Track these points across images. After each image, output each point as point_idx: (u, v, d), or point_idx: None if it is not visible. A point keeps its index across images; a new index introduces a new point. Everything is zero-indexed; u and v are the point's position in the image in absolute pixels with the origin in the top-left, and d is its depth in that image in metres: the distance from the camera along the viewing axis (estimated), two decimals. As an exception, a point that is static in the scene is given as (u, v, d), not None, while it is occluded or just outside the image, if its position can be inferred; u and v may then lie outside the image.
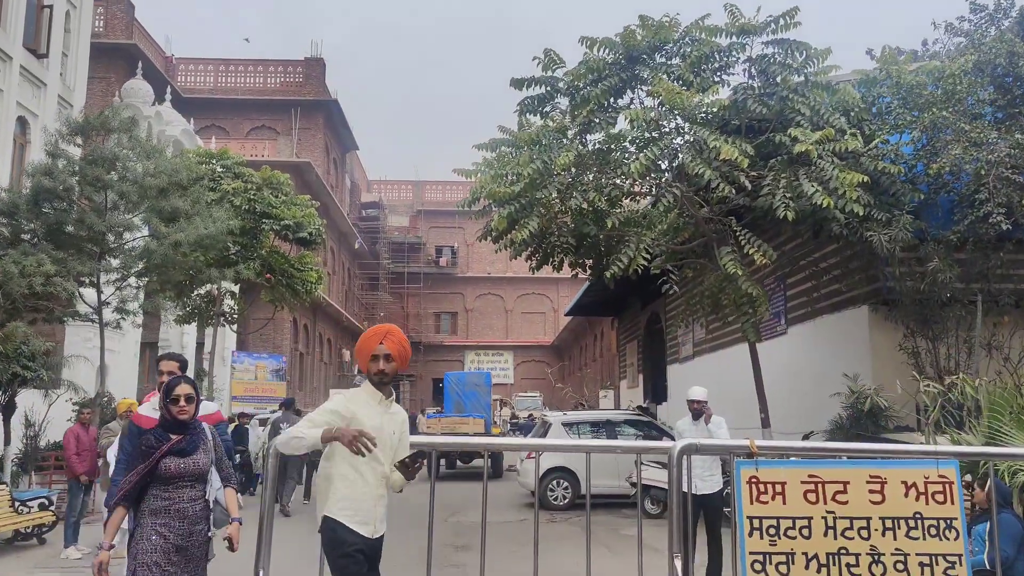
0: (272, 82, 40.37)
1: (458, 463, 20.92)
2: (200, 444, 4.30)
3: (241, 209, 19.86)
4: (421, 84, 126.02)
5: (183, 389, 4.26)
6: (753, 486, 4.03)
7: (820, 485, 4.04)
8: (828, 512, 4.00)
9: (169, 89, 28.77)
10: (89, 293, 13.84)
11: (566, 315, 38.81)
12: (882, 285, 11.83)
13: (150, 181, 13.16)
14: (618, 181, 11.19)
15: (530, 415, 32.53)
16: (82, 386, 14.14)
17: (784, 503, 4.02)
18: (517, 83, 11.29)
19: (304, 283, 23.35)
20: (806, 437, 11.86)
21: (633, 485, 12.42)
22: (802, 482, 4.05)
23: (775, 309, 14.92)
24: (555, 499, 13.77)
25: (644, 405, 23.62)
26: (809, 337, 14.63)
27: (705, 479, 7.22)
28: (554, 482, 13.84)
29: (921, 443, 8.44)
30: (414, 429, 46.26)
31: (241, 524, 4.33)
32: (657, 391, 25.56)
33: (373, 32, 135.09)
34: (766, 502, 4.03)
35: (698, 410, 7.70)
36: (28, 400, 13.59)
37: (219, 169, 20.84)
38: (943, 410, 8.18)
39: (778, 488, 4.03)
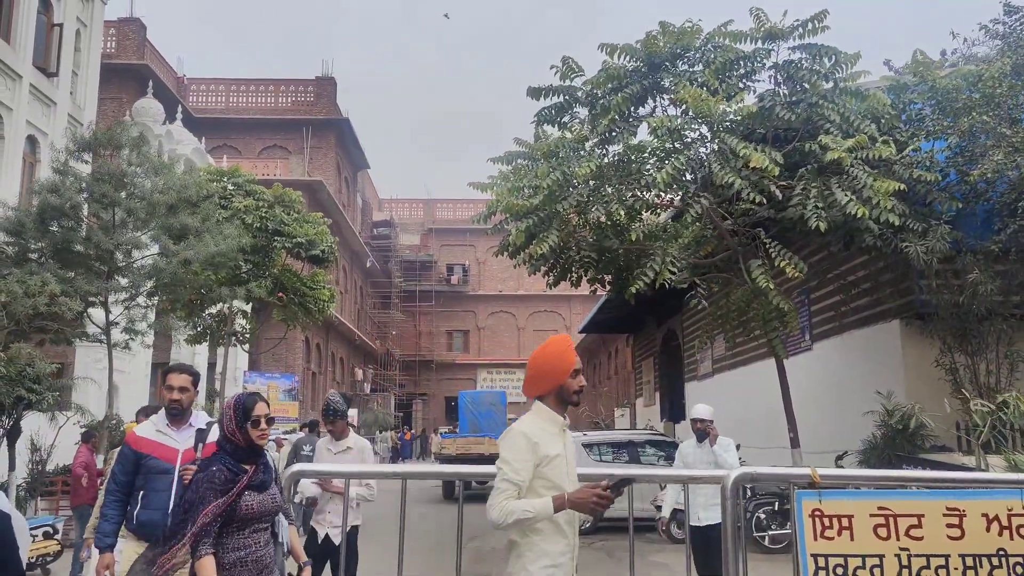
0: (283, 101, 40.39)
1: (474, 483, 20.50)
2: (272, 475, 3.51)
3: (253, 227, 19.58)
4: (431, 102, 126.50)
5: (262, 408, 3.41)
6: (817, 520, 3.63)
7: (892, 519, 3.64)
8: (902, 549, 3.61)
9: (180, 109, 28.67)
10: (97, 313, 13.54)
11: (580, 332, 38.32)
12: (916, 298, 11.37)
13: (159, 198, 12.88)
14: (639, 192, 10.81)
15: (545, 434, 31.98)
16: (91, 409, 13.79)
17: (852, 539, 3.63)
18: (534, 92, 10.93)
19: (316, 302, 23.02)
20: (839, 458, 11.38)
21: (659, 508, 11.94)
22: (871, 515, 3.65)
23: (800, 324, 14.47)
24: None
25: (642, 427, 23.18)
26: (836, 353, 14.16)
27: (708, 508, 6.33)
28: (575, 505, 13.35)
29: (965, 464, 7.97)
30: (427, 448, 45.23)
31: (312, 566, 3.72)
32: (675, 409, 25.03)
33: (383, 50, 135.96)
34: (832, 538, 3.63)
35: (702, 430, 6.96)
36: (34, 424, 13.23)
37: (230, 187, 20.62)
38: (993, 430, 7.70)
39: (845, 522, 3.64)
